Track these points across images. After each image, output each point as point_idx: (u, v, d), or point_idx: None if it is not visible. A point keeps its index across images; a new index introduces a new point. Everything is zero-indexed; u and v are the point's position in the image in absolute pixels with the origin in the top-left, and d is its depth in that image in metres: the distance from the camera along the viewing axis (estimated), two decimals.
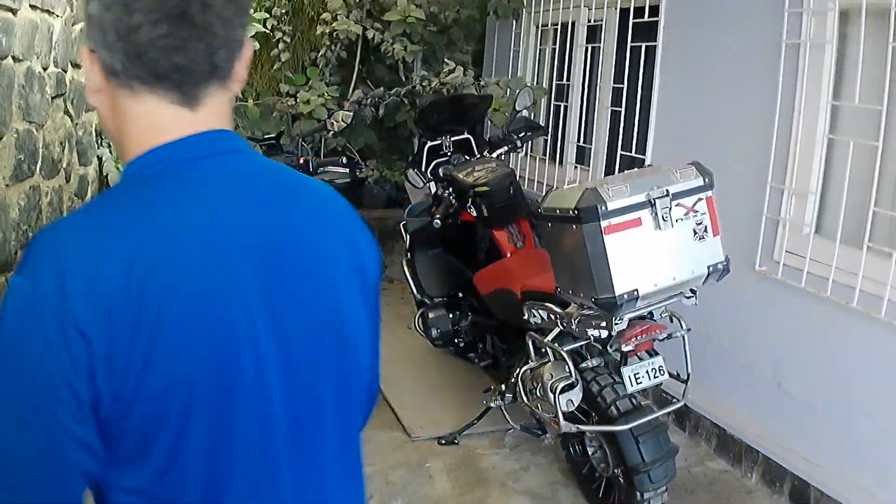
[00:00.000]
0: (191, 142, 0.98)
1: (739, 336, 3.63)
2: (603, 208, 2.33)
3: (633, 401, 2.95)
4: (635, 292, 2.39)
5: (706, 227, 2.49)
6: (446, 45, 5.90)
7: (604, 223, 2.33)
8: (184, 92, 0.96)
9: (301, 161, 3.93)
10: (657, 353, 2.80)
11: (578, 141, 4.95)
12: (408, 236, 4.16)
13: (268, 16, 5.68)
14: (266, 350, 0.98)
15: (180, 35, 0.92)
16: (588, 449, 3.27)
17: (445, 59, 5.39)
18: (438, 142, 4.30)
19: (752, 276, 3.47)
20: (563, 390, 2.87)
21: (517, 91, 4.20)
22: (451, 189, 3.81)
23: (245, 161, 1.04)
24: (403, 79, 5.87)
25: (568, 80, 4.99)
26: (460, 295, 4.08)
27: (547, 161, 5.30)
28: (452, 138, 4.31)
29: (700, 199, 2.48)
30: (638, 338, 2.68)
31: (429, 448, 3.84)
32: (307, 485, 1.06)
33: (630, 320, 2.68)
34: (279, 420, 1.00)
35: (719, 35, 3.65)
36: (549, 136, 5.19)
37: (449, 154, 4.28)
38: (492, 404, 3.68)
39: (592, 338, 2.74)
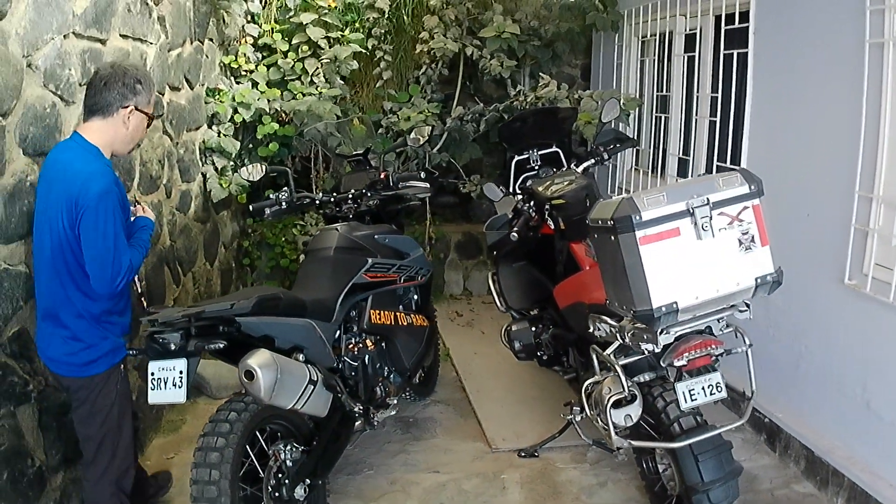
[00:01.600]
0: None
1: (829, 352, 3.44)
2: (637, 218, 2.29)
3: (698, 418, 2.86)
4: (674, 305, 2.32)
5: (753, 237, 2.38)
6: (551, 60, 5.90)
7: (639, 233, 2.29)
8: None
9: (382, 176, 4.06)
10: (715, 369, 2.69)
11: (679, 153, 4.82)
12: (493, 250, 4.20)
13: (363, 36, 5.87)
14: None
15: None
16: (659, 466, 3.19)
17: (541, 74, 5.40)
18: (526, 156, 4.33)
19: (841, 289, 3.27)
20: (618, 404, 2.82)
21: (604, 102, 4.15)
22: (531, 202, 3.82)
23: None
24: (511, 94, 5.93)
25: (668, 90, 4.87)
26: (543, 308, 4.08)
27: (649, 174, 5.20)
28: (540, 152, 4.33)
29: (746, 208, 2.38)
30: (691, 353, 2.59)
31: (508, 459, 3.86)
32: None
33: (684, 334, 2.60)
34: None
35: (805, 37, 3.48)
36: (651, 148, 5.09)
37: (537, 168, 4.30)
38: (569, 418, 3.65)
39: (646, 351, 2.68)
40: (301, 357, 3.00)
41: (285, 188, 3.90)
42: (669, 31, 4.79)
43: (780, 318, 3.70)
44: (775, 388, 3.74)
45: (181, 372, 2.62)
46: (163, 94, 4.17)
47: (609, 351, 2.87)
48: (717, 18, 4.28)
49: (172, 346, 2.60)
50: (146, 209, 3.11)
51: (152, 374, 2.65)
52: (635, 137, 5.33)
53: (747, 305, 2.54)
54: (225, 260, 5.49)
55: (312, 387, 2.92)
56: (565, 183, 3.73)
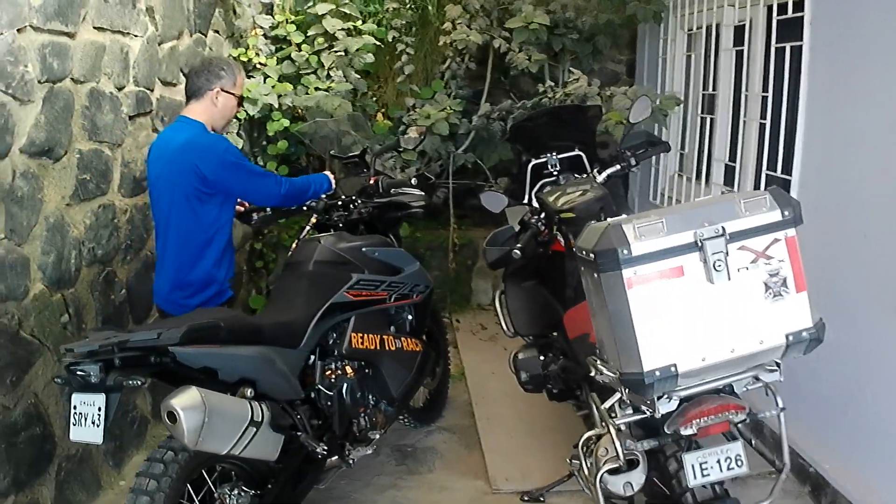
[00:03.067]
0: None
1: (884, 395, 2.95)
2: (625, 252, 1.78)
3: (717, 487, 2.35)
4: (672, 368, 1.81)
5: (785, 280, 1.84)
6: (592, 55, 5.39)
7: (626, 273, 1.79)
8: None
9: (371, 181, 3.67)
10: (735, 438, 2.17)
11: (726, 158, 4.27)
12: (494, 268, 3.75)
13: (374, 26, 5.48)
14: None
15: None
16: None
17: (570, 69, 4.90)
18: (544, 159, 3.84)
19: None
20: (614, 471, 2.34)
21: (633, 101, 3.64)
22: (540, 214, 3.36)
23: None
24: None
25: (714, 89, 4.33)
26: (554, 334, 3.60)
27: (693, 181, 4.67)
28: (560, 155, 3.84)
29: (776, 241, 1.84)
30: (703, 419, 2.09)
31: (509, 503, 3.44)
32: None
33: (695, 395, 2.10)
34: None
35: (870, 27, 2.96)
36: (697, 152, 4.56)
37: (556, 173, 3.82)
38: (571, 470, 3.18)
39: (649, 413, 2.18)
40: (249, 392, 2.64)
41: None
42: (717, 22, 4.25)
43: (829, 353, 3.14)
44: (822, 432, 3.28)
45: (100, 408, 2.31)
46: (151, 91, 3.86)
47: (607, 405, 2.38)
48: (769, 8, 3.74)
49: (93, 379, 2.27)
50: None
51: (75, 407, 2.35)
52: (678, 140, 4.80)
53: (777, 365, 2.01)
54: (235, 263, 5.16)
55: (255, 429, 2.55)
56: (578, 193, 3.23)
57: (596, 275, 1.87)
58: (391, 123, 5.60)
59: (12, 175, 2.78)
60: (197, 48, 4.42)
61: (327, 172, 3.47)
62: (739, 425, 2.19)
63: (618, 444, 2.25)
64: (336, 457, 3.11)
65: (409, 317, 3.75)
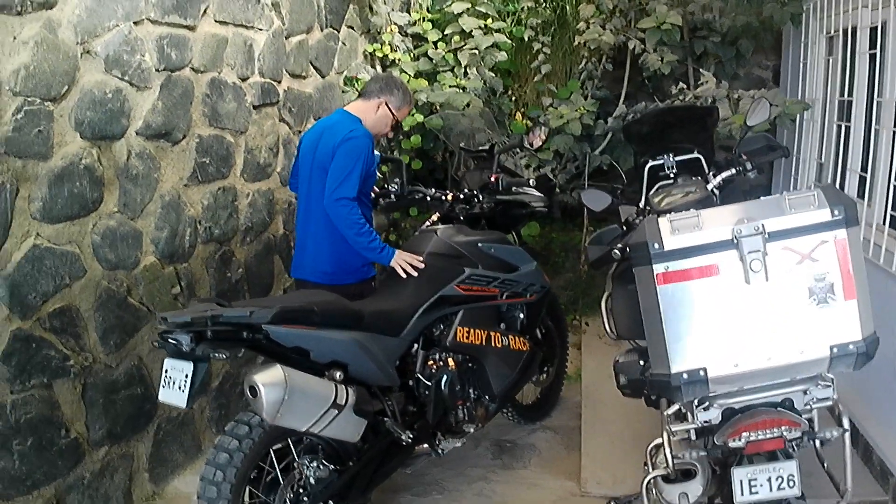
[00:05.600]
0: None
1: None
2: (656, 246, 1.70)
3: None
4: (701, 372, 1.71)
5: (832, 286, 1.69)
6: (735, 59, 5.11)
7: (657, 268, 1.71)
8: None
9: (493, 179, 3.67)
10: (790, 457, 2.00)
11: (860, 169, 3.92)
12: (593, 268, 3.66)
13: (504, 24, 5.46)
14: None
15: None
16: None
17: (701, 71, 4.67)
18: (660, 161, 3.71)
19: None
20: (671, 480, 2.23)
21: (751, 104, 3.44)
22: (646, 215, 3.25)
23: None
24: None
25: (850, 95, 3.99)
26: None
27: None
28: (677, 158, 3.69)
29: (824, 242, 1.69)
30: (751, 433, 1.94)
31: None
32: None
33: (749, 406, 1.96)
34: None
35: None
36: (832, 162, 4.23)
37: (672, 175, 3.68)
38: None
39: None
40: (339, 375, 2.73)
41: (397, 179, 3.68)
42: (853, 25, 3.92)
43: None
44: None
45: (187, 375, 2.46)
46: (278, 82, 4.07)
47: (669, 411, 2.27)
48: None
49: (184, 348, 2.43)
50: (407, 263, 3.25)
51: (166, 371, 2.52)
52: (816, 148, 4.46)
53: (831, 381, 1.83)
54: None
55: (336, 411, 2.63)
56: (681, 194, 3.12)
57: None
58: (530, 123, 5.59)
59: (127, 155, 3.03)
60: (328, 42, 4.60)
61: (395, 259, 3.23)
62: (806, 444, 2.02)
63: (668, 451, 2.15)
64: (426, 445, 3.16)
65: (521, 315, 3.70)
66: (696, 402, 1.87)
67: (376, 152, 3.69)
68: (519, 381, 3.69)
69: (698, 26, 4.96)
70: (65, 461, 2.84)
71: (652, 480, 2.19)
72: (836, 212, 1.74)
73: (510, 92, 5.84)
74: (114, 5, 2.90)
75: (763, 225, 1.70)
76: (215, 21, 3.49)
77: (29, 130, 2.59)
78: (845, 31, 4.12)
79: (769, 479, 2.01)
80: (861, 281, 1.71)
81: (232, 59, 3.63)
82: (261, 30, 3.86)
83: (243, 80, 3.75)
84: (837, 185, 4.14)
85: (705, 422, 1.90)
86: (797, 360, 1.74)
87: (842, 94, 4.19)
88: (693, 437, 2.24)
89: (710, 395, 1.86)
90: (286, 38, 4.12)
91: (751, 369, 1.73)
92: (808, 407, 1.99)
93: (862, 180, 3.90)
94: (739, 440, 1.97)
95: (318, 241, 3.39)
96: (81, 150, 2.83)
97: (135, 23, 3.01)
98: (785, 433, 1.96)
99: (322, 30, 4.53)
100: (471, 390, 3.40)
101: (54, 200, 2.73)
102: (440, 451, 3.23)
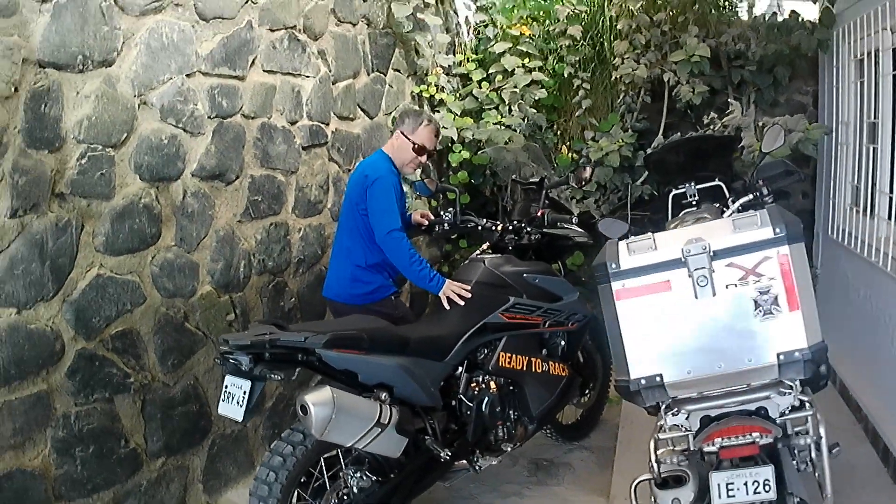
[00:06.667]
0: None
1: None
2: (613, 266, 1.90)
3: None
4: (658, 378, 1.88)
5: (776, 299, 1.84)
6: (773, 86, 5.21)
7: (615, 285, 1.91)
8: None
9: (539, 213, 3.88)
10: (766, 462, 2.13)
11: (889, 190, 3.96)
12: None
13: (541, 63, 5.68)
14: None
15: None
16: None
17: (729, 100, 4.79)
18: (683, 189, 3.85)
19: None
20: (665, 486, 2.37)
21: (766, 130, 3.56)
22: None
23: None
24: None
25: (876, 116, 4.05)
26: None
27: (859, 212, 4.38)
28: (699, 186, 3.82)
29: (766, 259, 1.84)
30: (723, 438, 2.08)
31: None
32: None
33: (724, 414, 2.10)
34: None
35: None
36: (865, 184, 4.27)
37: (694, 203, 3.81)
38: None
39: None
40: (384, 396, 2.96)
41: (451, 209, 3.91)
42: (875, 48, 3.98)
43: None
44: None
45: (245, 392, 2.74)
46: (326, 125, 4.39)
47: (659, 421, 2.42)
48: None
49: (243, 367, 2.71)
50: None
51: (226, 386, 2.81)
52: (853, 171, 4.49)
53: (790, 387, 1.96)
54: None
55: (379, 429, 2.85)
56: (692, 221, 3.26)
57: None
58: (576, 156, 5.78)
59: (183, 194, 3.38)
60: (375, 86, 4.92)
61: (444, 290, 3.45)
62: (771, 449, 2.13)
63: (652, 457, 2.30)
64: (465, 461, 3.36)
65: (562, 342, 3.87)
66: (664, 407, 2.02)
67: (433, 182, 4.08)
68: (557, 404, 3.84)
69: (732, 56, 5.08)
70: (123, 469, 3.14)
71: (640, 484, 2.33)
72: (777, 230, 1.89)
73: (555, 126, 6.04)
74: (168, 61, 3.25)
75: (709, 244, 1.86)
76: (263, 71, 3.82)
77: (92, 174, 2.94)
78: (872, 54, 4.19)
79: (745, 484, 2.14)
80: (806, 293, 1.85)
81: (281, 105, 3.96)
82: (308, 77, 4.19)
83: (292, 123, 4.07)
84: (868, 208, 4.17)
85: (674, 426, 2.05)
86: (746, 367, 1.89)
87: (871, 117, 4.24)
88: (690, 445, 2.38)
89: (673, 399, 2.01)
90: (333, 84, 4.44)
91: (704, 376, 1.88)
92: (784, 414, 2.11)
93: (891, 202, 3.94)
94: (713, 445, 2.12)
95: (337, 262, 3.72)
96: (141, 190, 3.16)
97: (187, 75, 3.35)
98: (757, 439, 2.09)
99: (368, 74, 4.84)
100: (510, 412, 3.56)
101: (116, 235, 3.06)
102: (477, 468, 3.40)
